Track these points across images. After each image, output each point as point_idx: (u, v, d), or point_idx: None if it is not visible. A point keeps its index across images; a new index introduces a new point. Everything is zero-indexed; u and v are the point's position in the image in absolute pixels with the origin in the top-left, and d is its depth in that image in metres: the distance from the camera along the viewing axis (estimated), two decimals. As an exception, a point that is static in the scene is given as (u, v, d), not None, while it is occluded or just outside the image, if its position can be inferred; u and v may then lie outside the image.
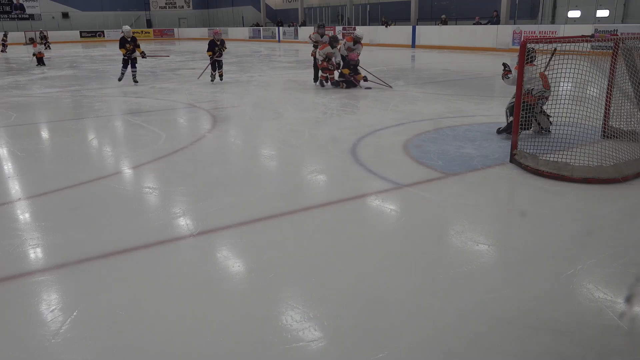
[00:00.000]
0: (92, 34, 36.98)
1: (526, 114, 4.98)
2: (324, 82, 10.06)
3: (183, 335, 2.28)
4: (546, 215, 3.58)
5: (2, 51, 24.98)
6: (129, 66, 10.91)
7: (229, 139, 6.35)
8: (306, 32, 20.56)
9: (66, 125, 7.39)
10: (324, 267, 2.90)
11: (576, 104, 4.43)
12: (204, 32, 39.49)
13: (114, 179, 4.62)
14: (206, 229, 3.44)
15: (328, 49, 9.65)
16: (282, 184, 4.57)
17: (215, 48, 10.64)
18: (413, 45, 21.96)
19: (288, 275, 2.84)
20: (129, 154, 5.61)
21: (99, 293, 2.66)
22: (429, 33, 21.63)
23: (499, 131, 5.77)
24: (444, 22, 21.74)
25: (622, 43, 4.76)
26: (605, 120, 5.11)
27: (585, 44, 4.38)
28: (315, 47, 10.06)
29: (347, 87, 9.77)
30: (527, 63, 4.75)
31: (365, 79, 9.91)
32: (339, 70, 9.94)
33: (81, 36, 36.36)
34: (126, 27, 10.83)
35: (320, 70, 10.02)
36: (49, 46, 28.03)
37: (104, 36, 37.35)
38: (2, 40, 25.77)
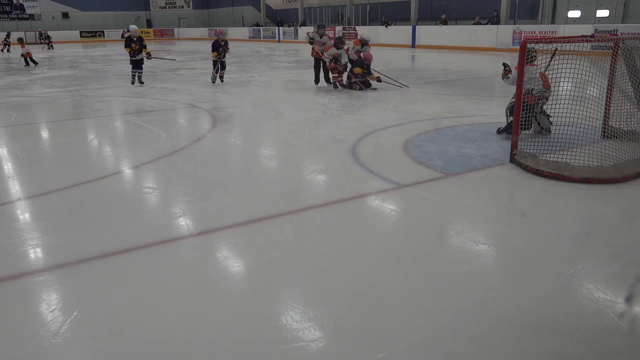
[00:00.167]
0: (92, 34, 36.99)
1: (526, 114, 4.99)
2: (337, 83, 9.74)
3: (183, 335, 2.28)
4: (546, 215, 3.58)
5: (7, 51, 25.04)
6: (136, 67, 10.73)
7: (229, 139, 6.35)
8: (306, 32, 20.62)
9: (66, 125, 7.39)
10: (324, 267, 2.90)
11: (576, 104, 4.43)
12: (204, 32, 39.51)
13: (114, 179, 4.62)
14: (206, 229, 3.44)
15: (333, 50, 9.43)
16: (282, 184, 4.57)
17: (220, 49, 10.34)
18: (413, 45, 21.97)
19: (288, 275, 2.84)
20: (129, 154, 5.61)
21: (99, 293, 2.66)
22: (429, 33, 21.63)
23: (499, 131, 5.77)
24: (444, 22, 21.74)
25: (622, 43, 4.76)
26: (605, 120, 5.11)
27: (585, 44, 4.38)
28: (311, 43, 9.86)
29: (362, 89, 9.43)
30: (527, 63, 4.75)
31: (379, 80, 9.59)
32: (348, 72, 9.67)
33: (81, 36, 36.38)
34: (133, 27, 10.66)
35: (330, 71, 9.77)
36: (52, 46, 28.10)
37: (104, 36, 37.37)
38: (5, 40, 25.83)
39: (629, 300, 2.49)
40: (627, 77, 4.83)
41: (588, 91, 4.53)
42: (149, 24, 41.37)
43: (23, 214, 3.83)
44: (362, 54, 9.59)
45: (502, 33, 18.33)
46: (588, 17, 17.41)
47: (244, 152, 5.81)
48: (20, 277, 2.83)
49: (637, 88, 4.77)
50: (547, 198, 3.91)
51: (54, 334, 2.29)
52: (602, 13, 17.13)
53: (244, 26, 36.75)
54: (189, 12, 43.24)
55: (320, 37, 9.85)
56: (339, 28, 26.97)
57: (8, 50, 25.09)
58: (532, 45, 4.89)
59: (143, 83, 10.94)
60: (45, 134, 6.95)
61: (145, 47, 10.51)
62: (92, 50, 26.87)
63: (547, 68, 5.19)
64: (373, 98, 8.73)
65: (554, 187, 4.09)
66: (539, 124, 5.52)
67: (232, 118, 7.42)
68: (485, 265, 2.91)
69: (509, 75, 5.79)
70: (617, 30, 14.25)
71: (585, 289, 2.60)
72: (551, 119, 5.15)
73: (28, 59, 16.50)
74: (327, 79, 10.01)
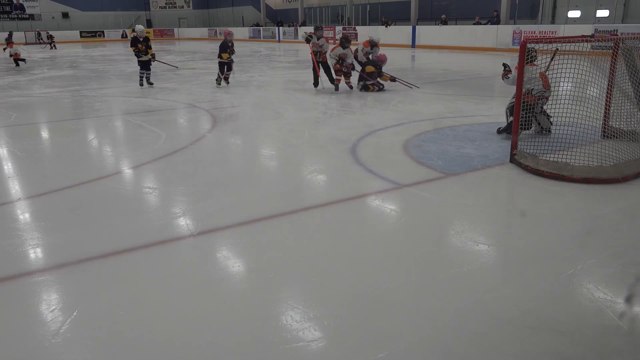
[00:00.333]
0: (92, 34, 37.01)
1: (526, 114, 4.99)
2: (338, 85, 9.47)
3: (183, 335, 2.28)
4: (546, 215, 3.58)
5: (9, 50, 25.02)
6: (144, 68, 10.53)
7: (229, 139, 6.35)
8: (304, 31, 20.63)
9: (66, 125, 7.39)
10: (324, 267, 2.90)
11: (576, 104, 4.43)
12: (204, 32, 39.53)
13: (114, 179, 4.62)
14: (206, 229, 3.44)
15: (339, 49, 9.14)
16: (282, 184, 4.57)
17: (228, 50, 10.10)
18: (413, 45, 21.97)
19: (288, 275, 2.84)
20: (129, 154, 5.61)
21: (99, 293, 2.66)
22: (429, 33, 21.64)
23: (499, 131, 5.77)
24: (444, 22, 21.74)
25: (622, 43, 4.76)
26: (605, 120, 5.11)
27: (585, 44, 4.38)
28: (308, 41, 9.57)
29: (379, 90, 9.23)
30: (527, 63, 4.75)
31: (393, 80, 9.41)
32: (360, 72, 9.38)
33: (81, 36, 36.39)
34: (139, 27, 10.45)
35: (334, 73, 9.46)
36: (54, 46, 28.15)
37: (104, 36, 37.38)
38: (7, 40, 25.84)
39: (629, 300, 2.49)
40: (627, 77, 4.83)
41: (588, 91, 4.53)
42: (149, 24, 41.35)
43: (23, 214, 3.83)
44: (371, 55, 9.41)
45: (502, 33, 18.33)
46: (588, 17, 17.41)
47: (244, 152, 5.81)
48: (20, 277, 2.83)
49: (637, 88, 4.77)
50: (547, 198, 3.91)
51: (54, 334, 2.29)
52: (602, 13, 17.13)
53: (244, 26, 36.75)
54: (189, 12, 43.24)
55: (318, 39, 9.56)
56: (339, 28, 26.97)
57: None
58: (532, 45, 4.89)
59: (152, 84, 10.74)
60: (45, 134, 6.95)
61: (150, 47, 10.33)
62: (92, 50, 26.87)
63: (547, 68, 5.19)
64: (373, 98, 8.73)
65: (554, 187, 4.09)
66: (539, 124, 5.52)
67: (232, 118, 7.42)
68: (485, 265, 2.91)
69: (509, 75, 5.79)
70: (617, 30, 14.25)
71: (585, 289, 2.60)
72: (551, 119, 5.16)
73: (17, 59, 16.42)
74: (331, 81, 9.61)
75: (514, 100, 5.03)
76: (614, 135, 4.82)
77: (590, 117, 4.38)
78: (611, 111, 4.99)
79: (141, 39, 10.17)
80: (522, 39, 6.36)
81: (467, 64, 14.83)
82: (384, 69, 9.57)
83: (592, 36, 4.52)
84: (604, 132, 5.14)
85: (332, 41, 26.22)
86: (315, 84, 9.81)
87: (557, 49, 4.99)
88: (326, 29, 26.80)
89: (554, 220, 3.51)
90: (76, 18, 38.38)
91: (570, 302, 2.49)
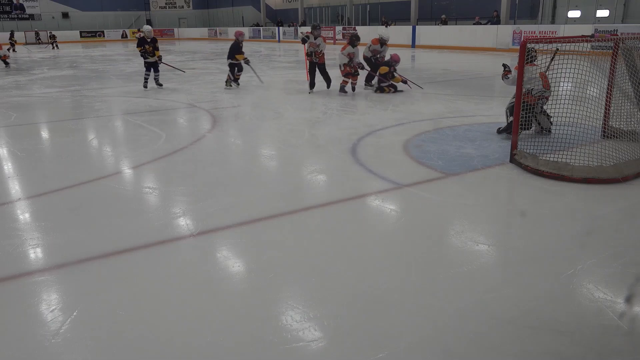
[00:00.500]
0: (92, 34, 37.02)
1: (526, 114, 4.99)
2: (345, 88, 9.14)
3: (183, 335, 2.28)
4: (546, 215, 3.58)
5: (13, 50, 25.15)
6: (152, 70, 10.24)
7: (229, 139, 6.35)
8: (300, 32, 20.57)
9: (66, 125, 7.39)
10: (324, 267, 2.90)
11: (576, 104, 4.43)
12: (204, 32, 39.52)
13: (114, 179, 4.62)
14: (206, 229, 3.44)
15: (350, 48, 8.79)
16: (282, 184, 4.57)
17: (241, 50, 9.89)
18: (413, 45, 21.97)
19: (288, 275, 2.84)
20: (129, 154, 5.61)
21: (99, 293, 2.66)
22: (429, 33, 21.63)
23: (499, 131, 5.77)
24: (444, 22, 21.74)
25: (622, 43, 4.76)
26: (605, 120, 5.11)
27: (585, 44, 4.38)
28: (304, 41, 9.23)
29: (395, 92, 9.01)
30: (527, 63, 4.75)
31: (405, 81, 9.22)
32: (376, 74, 9.16)
33: (81, 36, 36.41)
34: (147, 27, 10.20)
35: (343, 77, 9.11)
36: (56, 46, 28.20)
37: (104, 36, 37.40)
38: (10, 40, 25.99)
39: (629, 300, 2.49)
40: (627, 77, 4.83)
41: (588, 91, 4.53)
42: (149, 24, 41.37)
43: (23, 214, 3.83)
44: (380, 54, 9.25)
45: (502, 33, 18.33)
46: (588, 17, 17.41)
47: (244, 152, 5.81)
48: (20, 277, 2.83)
49: (637, 88, 4.77)
50: (547, 198, 3.91)
51: (54, 334, 2.29)
52: (602, 13, 17.14)
53: (244, 26, 36.74)
54: (189, 12, 43.25)
55: (315, 38, 9.16)
56: (338, 28, 26.98)
57: (14, 50, 25.21)
58: (532, 45, 4.89)
59: (161, 85, 10.47)
60: (45, 134, 6.95)
61: (157, 49, 10.04)
62: (92, 50, 26.87)
63: (547, 68, 5.19)
64: (373, 98, 8.73)
65: (554, 187, 4.09)
66: (539, 124, 5.52)
67: (232, 118, 7.42)
68: (485, 265, 2.91)
69: (509, 75, 5.79)
70: (617, 30, 14.24)
71: (585, 289, 2.60)
72: (551, 119, 5.16)
73: (4, 60, 16.40)
74: (312, 85, 9.35)
75: (514, 100, 5.03)
76: (614, 135, 4.82)
77: (590, 117, 4.38)
78: (611, 111, 4.99)
79: (149, 40, 9.89)
80: (522, 39, 6.36)
81: (467, 64, 14.83)
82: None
83: (592, 36, 4.52)
84: (604, 132, 5.14)
85: (332, 41, 26.27)
86: (311, 85, 9.44)
87: (557, 49, 4.99)
88: (326, 29, 26.84)
89: (554, 220, 3.51)
90: (76, 18, 38.39)
91: (570, 302, 2.49)
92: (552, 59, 5.04)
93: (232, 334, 2.30)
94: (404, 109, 7.75)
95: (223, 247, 3.23)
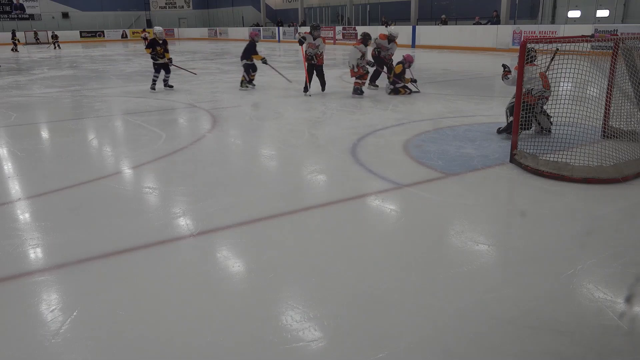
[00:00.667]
0: (92, 34, 37.03)
1: (526, 114, 4.99)
2: (361, 89, 8.82)
3: (183, 335, 2.28)
4: (546, 215, 3.58)
5: (15, 50, 25.22)
6: (162, 71, 9.94)
7: (229, 139, 6.35)
8: (297, 32, 20.53)
9: (66, 125, 7.39)
10: (324, 267, 2.90)
11: (576, 104, 4.43)
12: (204, 32, 39.53)
13: (114, 179, 4.62)
14: (206, 229, 3.44)
15: (362, 47, 8.53)
16: (282, 184, 4.57)
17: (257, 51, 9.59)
18: (413, 45, 21.97)
19: (288, 275, 2.84)
20: (129, 154, 5.61)
21: (99, 293, 2.66)
22: (429, 33, 21.63)
23: (499, 131, 5.77)
24: (444, 22, 21.75)
25: (622, 43, 4.76)
26: (605, 120, 5.11)
27: (585, 44, 4.38)
28: (301, 43, 8.92)
29: (409, 93, 8.79)
30: (527, 63, 4.75)
31: (414, 81, 8.98)
32: (382, 70, 9.01)
33: (81, 36, 36.41)
34: (158, 28, 9.95)
35: (355, 78, 8.79)
36: (59, 46, 28.24)
37: (104, 36, 37.40)
38: (13, 40, 26.08)
39: (629, 300, 2.49)
40: (627, 77, 4.83)
41: (588, 91, 4.53)
42: (149, 24, 41.34)
43: (23, 214, 3.83)
44: (389, 51, 9.13)
45: (502, 33, 18.34)
46: (588, 17, 17.42)
47: (244, 152, 5.81)
48: (20, 277, 2.83)
49: (637, 88, 4.77)
50: (547, 198, 3.91)
51: (54, 334, 2.29)
52: (602, 13, 17.14)
53: (244, 26, 36.75)
54: (189, 12, 43.26)
55: (314, 39, 8.81)
56: (338, 28, 26.98)
57: (16, 50, 25.27)
58: (532, 45, 4.89)
59: (172, 87, 10.23)
60: (45, 134, 6.95)
61: (168, 51, 9.76)
62: (92, 50, 26.87)
63: (547, 68, 5.19)
64: (373, 98, 8.72)
65: (554, 187, 4.09)
66: (539, 124, 5.52)
67: (232, 118, 7.42)
68: (485, 265, 2.91)
69: (509, 76, 5.79)
70: (617, 30, 14.24)
71: (585, 289, 2.60)
72: (551, 119, 5.15)
73: None
74: (306, 87, 9.05)
75: (514, 100, 5.03)
76: (614, 135, 4.82)
77: (590, 117, 4.38)
78: (611, 111, 4.99)
79: (160, 41, 9.64)
80: (522, 39, 6.36)
81: (467, 64, 14.83)
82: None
83: (592, 36, 4.52)
84: (604, 132, 5.14)
85: (332, 41, 26.27)
86: (306, 89, 9.12)
87: (558, 49, 4.99)
88: (326, 29, 26.82)
89: (554, 220, 3.51)
90: (76, 18, 38.40)
91: (570, 302, 2.49)
92: (552, 59, 5.04)
93: (232, 334, 2.30)
94: (404, 109, 7.75)
95: (223, 247, 3.23)
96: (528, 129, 5.26)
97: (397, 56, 9.56)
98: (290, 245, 3.25)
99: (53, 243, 3.27)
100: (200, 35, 39.24)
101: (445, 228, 3.47)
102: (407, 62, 8.81)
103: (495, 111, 7.14)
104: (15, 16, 36.57)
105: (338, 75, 12.46)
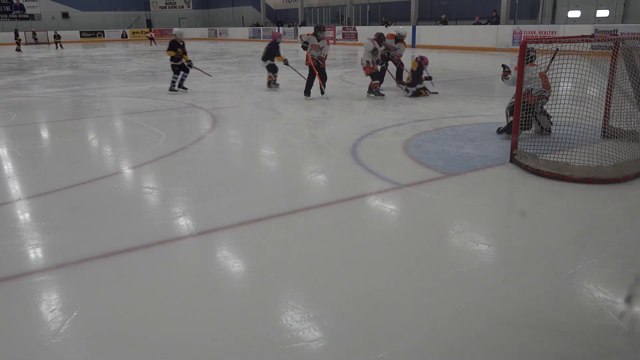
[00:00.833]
0: (92, 34, 37.03)
1: (526, 114, 4.99)
2: (379, 90, 8.57)
3: (183, 335, 2.28)
4: (546, 215, 3.58)
5: (19, 50, 25.27)
6: (180, 72, 9.69)
7: (229, 139, 6.35)
8: (306, 32, 20.51)
9: (66, 125, 7.40)
10: (324, 267, 2.90)
11: (576, 104, 4.43)
12: (204, 32, 39.52)
13: (114, 179, 4.62)
14: (206, 229, 3.44)
15: (375, 43, 8.31)
16: (282, 184, 4.57)
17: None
18: (413, 45, 21.96)
19: (288, 275, 2.84)
20: (129, 154, 5.61)
21: (99, 293, 2.66)
22: (429, 33, 21.64)
23: (499, 131, 5.77)
24: (444, 22, 21.75)
25: (622, 43, 4.76)
26: (605, 120, 5.11)
27: (585, 44, 4.38)
28: (305, 48, 8.58)
29: (427, 94, 8.61)
30: (527, 63, 4.75)
31: (430, 78, 8.78)
32: (398, 80, 8.92)
33: (81, 36, 36.41)
34: (179, 30, 9.78)
35: (370, 77, 8.54)
36: (61, 46, 28.29)
37: (104, 36, 37.41)
38: (16, 39, 26.14)
39: (629, 300, 2.49)
40: (627, 77, 4.83)
41: (588, 91, 4.53)
42: (149, 24, 41.38)
43: (23, 214, 3.83)
44: (397, 52, 9.06)
45: (502, 33, 18.34)
46: (588, 17, 17.41)
47: (244, 152, 5.81)
48: (20, 277, 2.83)
49: (637, 88, 4.77)
50: (547, 198, 3.91)
51: (54, 334, 2.29)
52: (602, 13, 17.13)
53: (244, 26, 36.75)
54: (189, 12, 43.26)
55: (319, 40, 8.50)
56: (338, 28, 26.98)
57: (19, 50, 25.32)
58: (532, 45, 4.89)
59: (187, 89, 9.88)
60: (45, 134, 6.95)
61: (186, 53, 9.54)
62: (92, 50, 26.86)
63: (547, 68, 5.19)
64: (373, 98, 8.72)
65: (554, 187, 4.09)
66: (539, 124, 5.52)
67: (232, 118, 7.42)
68: (485, 265, 2.91)
69: (509, 76, 5.79)
70: (617, 30, 14.24)
71: (585, 289, 2.60)
72: (551, 119, 5.15)
73: None
74: (307, 91, 8.74)
75: (514, 100, 5.03)
76: (614, 135, 4.82)
77: (590, 117, 4.38)
78: (611, 111, 4.99)
79: (181, 43, 9.40)
80: (522, 39, 6.36)
81: (467, 64, 14.82)
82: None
83: (592, 36, 4.52)
84: (604, 132, 5.14)
85: (332, 41, 26.27)
86: (307, 92, 8.80)
87: (558, 49, 4.99)
88: (326, 29, 26.82)
89: (554, 220, 3.51)
90: (76, 18, 38.39)
91: (570, 302, 2.49)
92: (552, 59, 5.04)
93: (232, 334, 2.29)
94: (404, 109, 7.75)
95: (223, 247, 3.23)
96: (528, 129, 5.26)
97: (405, 58, 9.57)
98: (290, 245, 3.24)
99: (53, 243, 3.27)
100: (200, 35, 39.23)
101: (445, 228, 3.47)
102: (424, 63, 8.59)
103: (495, 111, 7.14)
104: (15, 16, 36.57)
105: (338, 75, 12.45)
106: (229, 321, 2.40)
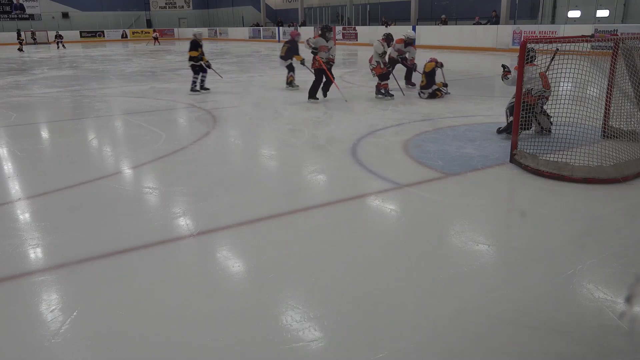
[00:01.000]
0: (92, 34, 37.02)
1: (526, 114, 4.99)
2: (387, 91, 8.45)
3: (183, 335, 2.28)
4: (546, 215, 3.58)
5: (21, 50, 25.31)
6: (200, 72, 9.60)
7: (229, 139, 6.35)
8: (306, 32, 20.48)
9: (66, 125, 7.40)
10: (324, 267, 2.90)
11: (576, 104, 4.43)
12: (204, 32, 39.44)
13: (114, 179, 4.62)
14: (206, 229, 3.44)
15: (384, 44, 8.19)
16: (282, 184, 4.57)
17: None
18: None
19: (288, 275, 2.84)
20: (129, 154, 5.61)
21: (99, 293, 2.66)
22: (429, 33, 21.62)
23: (499, 131, 5.77)
24: (444, 22, 21.74)
25: (622, 43, 4.76)
26: (605, 120, 5.11)
27: (585, 44, 4.38)
28: (315, 53, 8.32)
29: (442, 95, 8.50)
30: (527, 63, 4.74)
31: (445, 85, 8.68)
32: (412, 68, 8.84)
33: (81, 36, 36.40)
34: (199, 30, 9.71)
35: (379, 78, 8.40)
36: (63, 46, 28.33)
37: (104, 36, 37.39)
38: (18, 39, 26.15)
39: (629, 300, 2.49)
40: (627, 77, 4.83)
41: (588, 91, 4.53)
42: (149, 24, 41.38)
43: (23, 214, 3.83)
44: (409, 56, 9.03)
45: (502, 33, 18.33)
46: (588, 17, 17.41)
47: (244, 152, 5.81)
48: (20, 277, 2.83)
49: (637, 88, 4.77)
50: (547, 198, 3.91)
51: (54, 334, 2.29)
52: (602, 13, 17.13)
53: (244, 26, 36.75)
54: (189, 12, 43.25)
55: (327, 41, 8.40)
56: (338, 28, 26.97)
57: (22, 50, 25.34)
58: (532, 45, 4.89)
59: (208, 89, 9.76)
60: (45, 134, 6.95)
61: (204, 54, 9.56)
62: (92, 50, 26.87)
63: (547, 68, 5.19)
64: (373, 98, 8.72)
65: (554, 187, 4.09)
66: (539, 124, 5.52)
67: (232, 118, 7.42)
68: (485, 265, 2.91)
69: (509, 76, 5.79)
70: (617, 30, 14.24)
71: (585, 289, 2.60)
72: (551, 119, 5.15)
73: None
74: (312, 94, 8.51)
75: (514, 100, 5.03)
76: (614, 135, 4.82)
77: (590, 117, 4.38)
78: (611, 111, 4.99)
79: (201, 43, 9.40)
80: (522, 39, 6.36)
81: (467, 64, 14.82)
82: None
83: (592, 36, 4.52)
84: (604, 132, 5.14)
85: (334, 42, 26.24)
86: (313, 95, 8.51)
87: (558, 49, 4.99)
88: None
89: (554, 220, 3.51)
90: (76, 18, 38.39)
91: (570, 302, 2.49)
92: (552, 59, 5.04)
93: (232, 334, 2.30)
94: (404, 109, 7.75)
95: (223, 247, 3.23)
96: (528, 129, 5.26)
97: (418, 59, 9.57)
98: (290, 245, 3.24)
99: (53, 243, 3.27)
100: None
101: (445, 228, 3.47)
102: (438, 64, 8.48)
103: (495, 111, 7.14)
104: (15, 16, 36.56)
105: (338, 75, 12.45)
106: (229, 321, 2.40)
